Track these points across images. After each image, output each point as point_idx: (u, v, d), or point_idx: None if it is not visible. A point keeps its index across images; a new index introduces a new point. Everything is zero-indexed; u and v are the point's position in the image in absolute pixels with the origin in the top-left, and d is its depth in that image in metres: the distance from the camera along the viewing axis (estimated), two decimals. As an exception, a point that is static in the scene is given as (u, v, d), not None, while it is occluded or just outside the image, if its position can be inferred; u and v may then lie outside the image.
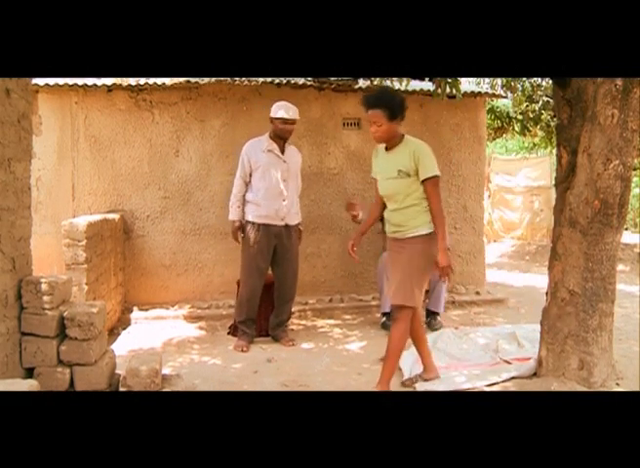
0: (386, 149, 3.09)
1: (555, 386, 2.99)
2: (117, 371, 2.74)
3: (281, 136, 4.06)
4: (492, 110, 7.99)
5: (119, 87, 4.87)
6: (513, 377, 3.27)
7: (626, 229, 9.36)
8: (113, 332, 4.35)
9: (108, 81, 4.81)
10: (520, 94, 6.39)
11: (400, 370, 3.40)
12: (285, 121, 4.00)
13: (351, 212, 4.54)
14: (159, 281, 5.06)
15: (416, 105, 5.46)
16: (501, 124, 8.48)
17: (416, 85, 5.26)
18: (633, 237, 9.28)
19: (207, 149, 5.12)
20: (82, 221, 3.88)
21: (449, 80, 4.33)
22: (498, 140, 11.57)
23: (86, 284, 3.78)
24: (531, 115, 7.46)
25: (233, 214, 4.11)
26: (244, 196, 4.11)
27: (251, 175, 4.08)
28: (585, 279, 3.06)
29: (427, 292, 4.62)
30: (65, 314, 2.52)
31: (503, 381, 3.23)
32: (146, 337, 4.30)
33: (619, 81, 2.84)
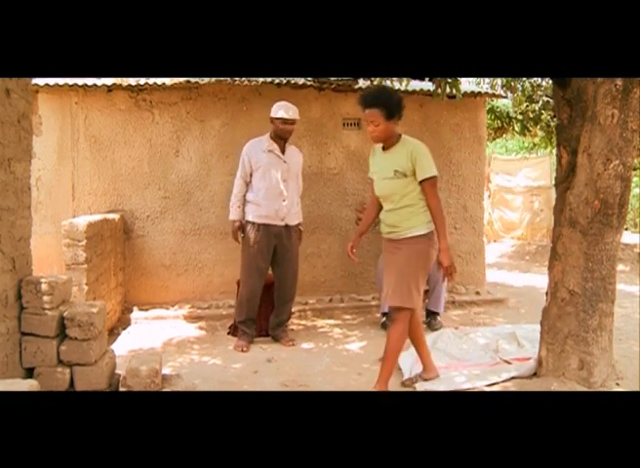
0: (384, 149, 3.07)
1: (555, 386, 2.99)
2: (117, 371, 2.74)
3: (281, 136, 4.06)
4: (492, 110, 7.99)
5: (119, 87, 4.87)
6: (513, 377, 3.28)
7: (626, 229, 9.37)
8: (113, 332, 4.35)
9: (108, 81, 4.81)
10: (520, 94, 6.39)
11: (400, 370, 3.40)
12: (285, 121, 4.00)
13: (359, 214, 4.55)
14: (159, 281, 5.06)
15: (416, 105, 5.47)
16: (501, 124, 8.48)
17: (416, 85, 5.26)
18: (633, 237, 9.29)
19: (207, 149, 5.12)
20: (82, 221, 3.88)
21: (449, 80, 4.33)
22: (498, 140, 11.56)
23: (86, 284, 3.78)
24: (531, 115, 7.46)
25: (233, 214, 4.11)
26: (244, 196, 4.11)
27: (251, 176, 4.08)
28: (585, 279, 3.06)
29: (427, 291, 4.63)
30: (65, 314, 2.52)
31: (503, 381, 3.24)
32: (146, 337, 4.30)
33: (619, 81, 2.84)
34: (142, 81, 4.84)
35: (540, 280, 6.24)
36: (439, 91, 4.48)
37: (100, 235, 4.15)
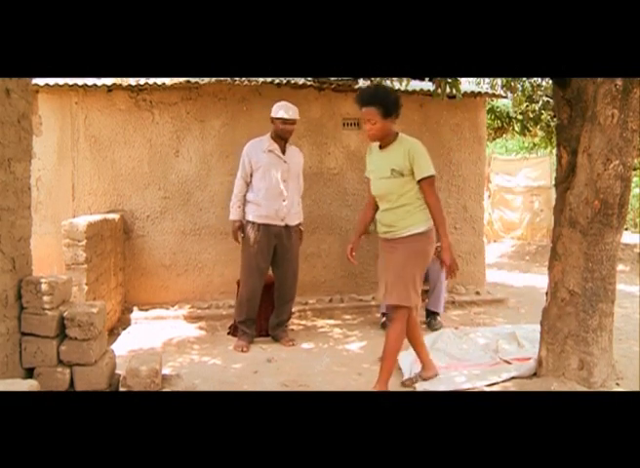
0: (380, 147, 3.05)
1: (555, 386, 2.99)
2: (117, 371, 2.73)
3: (281, 136, 4.06)
4: (492, 110, 7.99)
5: (119, 87, 4.87)
6: (513, 377, 3.28)
7: (626, 229, 9.37)
8: (113, 332, 4.35)
9: (108, 81, 4.81)
10: (520, 94, 6.39)
11: (400, 369, 3.40)
12: (285, 121, 4.00)
13: None
14: (159, 281, 5.06)
15: (416, 105, 5.47)
16: (501, 124, 8.48)
17: (416, 85, 5.26)
18: (633, 237, 9.29)
19: (207, 149, 5.12)
20: (82, 221, 3.88)
21: (449, 80, 4.33)
22: (498, 140, 11.57)
23: (86, 284, 3.78)
24: (531, 115, 7.46)
25: (234, 214, 4.12)
26: (245, 196, 4.11)
27: (252, 176, 4.08)
28: (585, 279, 3.06)
29: (427, 291, 4.63)
30: (65, 314, 2.52)
31: (503, 381, 3.23)
32: (146, 337, 4.30)
33: (619, 81, 2.84)
34: (142, 81, 4.84)
35: (540, 280, 6.24)
36: (439, 91, 4.48)
37: (99, 235, 4.15)
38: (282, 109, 4.01)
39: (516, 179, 10.46)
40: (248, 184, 4.11)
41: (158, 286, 5.06)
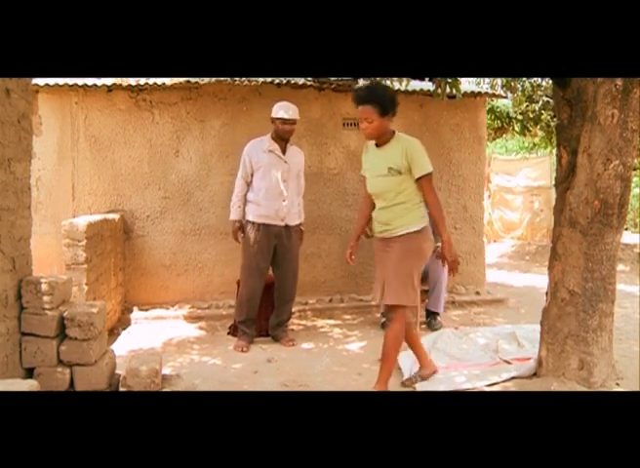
0: (377, 146, 3.04)
1: (555, 386, 2.99)
2: (117, 371, 2.73)
3: (282, 136, 4.06)
4: (492, 110, 7.99)
5: (119, 87, 4.87)
6: (513, 377, 3.27)
7: (626, 229, 9.37)
8: (113, 332, 4.35)
9: (108, 81, 4.80)
10: (520, 94, 6.39)
11: (400, 370, 3.40)
12: (285, 121, 4.00)
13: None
14: (159, 281, 5.06)
15: (416, 105, 5.48)
16: (501, 124, 8.48)
17: (416, 85, 5.26)
18: (633, 237, 9.29)
19: (207, 149, 5.12)
20: (82, 221, 3.88)
21: (449, 80, 4.33)
22: (498, 140, 11.57)
23: (86, 284, 3.78)
24: (531, 115, 7.47)
25: (234, 214, 4.12)
26: (245, 196, 4.11)
27: (252, 176, 4.08)
28: (585, 279, 3.06)
29: (427, 291, 4.63)
30: (65, 314, 2.52)
31: (503, 381, 3.23)
32: (146, 337, 4.30)
33: (619, 81, 2.84)
34: (142, 81, 4.84)
35: (540, 280, 6.24)
36: (439, 91, 4.48)
37: (100, 235, 4.15)
38: (282, 109, 4.01)
39: (516, 179, 10.46)
40: (248, 184, 4.11)
41: (158, 286, 5.06)
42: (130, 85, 4.85)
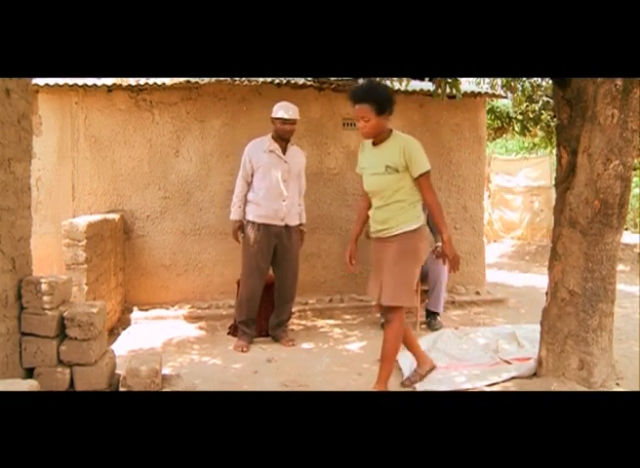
0: (374, 144, 3.02)
1: (555, 386, 2.99)
2: (117, 371, 2.73)
3: (282, 136, 4.06)
4: (492, 110, 7.99)
5: (119, 87, 4.87)
6: (513, 377, 3.28)
7: (626, 229, 9.37)
8: (113, 332, 4.35)
9: (108, 81, 4.81)
10: (520, 94, 6.39)
11: (400, 370, 3.40)
12: (285, 121, 4.00)
13: None
14: (159, 281, 5.06)
15: (416, 105, 5.48)
16: (501, 124, 8.48)
17: (416, 85, 5.26)
18: (633, 237, 9.29)
19: (207, 149, 5.12)
20: (82, 221, 3.88)
21: (449, 80, 4.33)
22: (498, 140, 11.57)
23: (86, 284, 3.78)
24: (531, 115, 7.47)
25: (234, 214, 4.12)
26: (245, 196, 4.11)
27: (252, 176, 4.08)
28: (585, 279, 3.06)
29: (427, 291, 4.63)
30: (65, 314, 2.52)
31: (503, 381, 3.23)
32: (146, 337, 4.30)
33: (619, 81, 2.84)
34: (142, 81, 4.84)
35: (540, 280, 6.25)
36: (439, 91, 4.48)
37: (100, 235, 4.15)
38: (282, 109, 4.01)
39: (516, 179, 10.46)
40: (249, 184, 4.11)
41: (158, 286, 5.06)
42: (130, 85, 4.85)
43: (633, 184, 5.93)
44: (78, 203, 4.92)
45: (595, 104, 2.96)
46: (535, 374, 3.28)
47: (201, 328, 4.61)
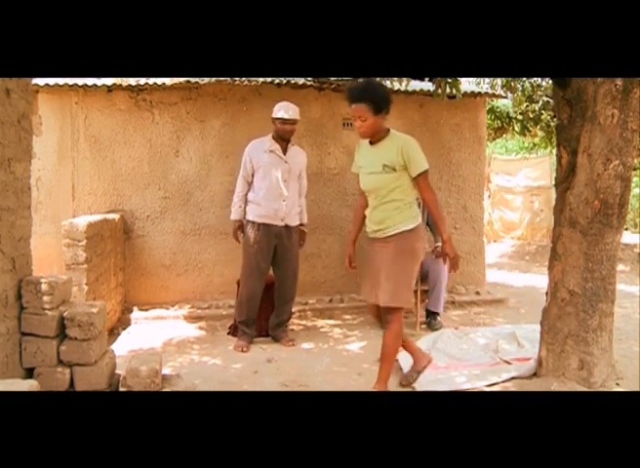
0: (371, 143, 3.01)
1: (555, 386, 2.99)
2: (117, 371, 2.73)
3: (282, 136, 4.06)
4: (492, 110, 7.99)
5: (119, 87, 4.87)
6: (513, 377, 3.27)
7: (626, 229, 9.37)
8: (113, 332, 4.35)
9: (108, 81, 4.80)
10: (520, 94, 6.39)
11: (400, 370, 3.40)
12: (285, 121, 4.00)
13: None
14: (159, 281, 5.06)
15: (416, 105, 5.48)
16: (501, 124, 8.48)
17: (416, 85, 5.26)
18: (633, 237, 9.30)
19: (207, 149, 5.12)
20: (82, 221, 3.88)
21: (449, 80, 4.33)
22: (498, 140, 11.57)
23: (86, 284, 3.78)
24: (531, 115, 7.47)
25: (235, 214, 4.13)
26: (246, 196, 4.12)
27: (253, 176, 4.09)
28: (585, 279, 3.06)
29: (427, 291, 4.63)
30: (65, 314, 2.52)
31: (503, 381, 3.23)
32: (146, 337, 4.30)
33: (619, 81, 2.84)
34: (142, 81, 4.83)
35: (540, 280, 6.25)
36: (439, 91, 4.48)
37: (99, 235, 4.15)
38: (282, 109, 4.01)
39: (516, 179, 10.46)
40: (249, 184, 4.11)
41: (158, 286, 5.06)
42: (130, 85, 4.84)
43: (633, 184, 5.93)
44: (78, 203, 4.92)
45: (595, 104, 2.96)
46: (535, 374, 3.28)
47: (201, 328, 4.61)
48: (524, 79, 6.10)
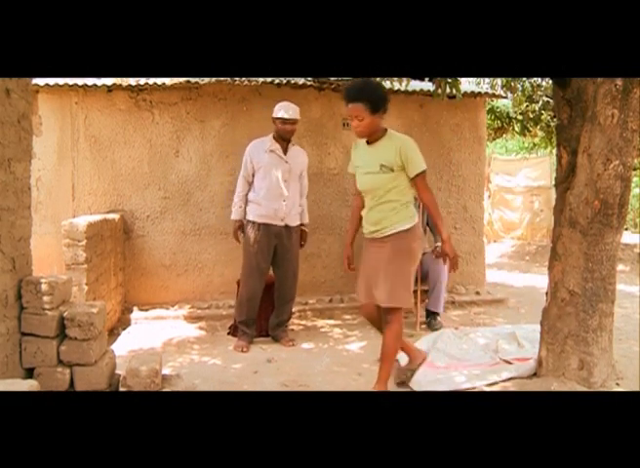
0: (368, 143, 3.00)
1: (555, 386, 2.99)
2: (117, 371, 2.74)
3: (282, 136, 4.06)
4: (492, 110, 7.99)
5: (119, 87, 4.87)
6: (513, 377, 3.27)
7: (626, 229, 9.37)
8: (113, 332, 4.35)
9: (108, 81, 4.80)
10: (520, 94, 6.38)
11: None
12: (285, 121, 4.00)
13: None
14: (159, 281, 5.06)
15: (416, 105, 5.48)
16: (501, 124, 8.48)
17: (416, 85, 5.26)
18: (633, 237, 9.30)
19: (207, 149, 5.12)
20: (82, 221, 3.88)
21: (449, 80, 4.33)
22: (498, 141, 11.57)
23: (86, 284, 3.78)
24: (531, 115, 7.47)
25: (235, 214, 4.13)
26: (246, 196, 4.12)
27: (254, 176, 4.09)
28: (585, 279, 3.06)
29: (427, 291, 4.63)
30: (65, 314, 2.52)
31: (503, 381, 3.23)
32: (146, 337, 4.30)
33: (619, 81, 2.84)
34: (142, 81, 4.83)
35: (540, 280, 6.25)
36: (439, 91, 4.48)
37: (99, 235, 4.15)
38: (282, 109, 4.01)
39: (516, 179, 10.46)
40: (250, 184, 4.11)
41: (158, 286, 5.06)
42: (130, 85, 4.84)
43: (633, 184, 5.93)
44: (78, 203, 4.92)
45: (595, 104, 2.96)
46: (535, 374, 3.28)
47: (201, 328, 4.61)
48: (524, 79, 6.09)
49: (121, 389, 2.48)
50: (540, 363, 3.26)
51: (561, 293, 3.17)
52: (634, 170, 3.53)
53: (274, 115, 4.04)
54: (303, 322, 4.82)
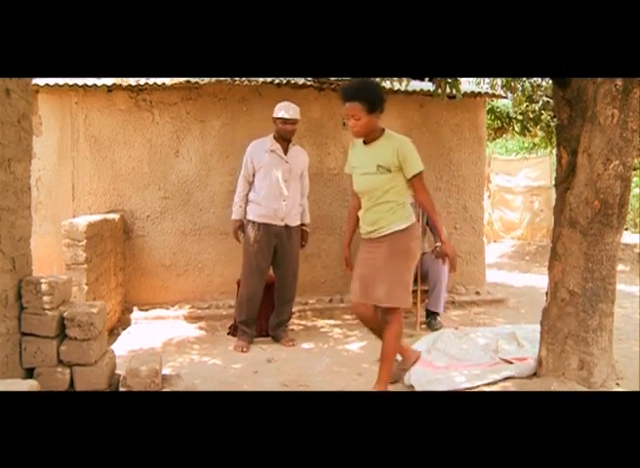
0: (365, 143, 2.99)
1: (555, 386, 2.99)
2: (117, 372, 2.73)
3: (283, 136, 4.06)
4: (492, 110, 7.99)
5: (119, 87, 4.87)
6: (513, 377, 3.27)
7: (626, 229, 9.37)
8: (113, 332, 4.35)
9: (108, 81, 4.80)
10: (520, 94, 6.38)
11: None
12: (285, 121, 4.00)
13: None
14: (159, 281, 5.06)
15: (416, 105, 5.48)
16: (501, 124, 8.48)
17: (416, 85, 5.26)
18: (633, 237, 9.30)
19: (207, 149, 5.12)
20: (82, 221, 3.88)
21: (449, 80, 4.33)
22: (498, 141, 11.57)
23: (86, 284, 3.78)
24: (531, 115, 7.47)
25: (235, 214, 4.13)
26: (247, 196, 4.12)
27: (254, 176, 4.09)
28: (585, 279, 3.06)
29: (427, 291, 4.63)
30: (65, 314, 2.52)
31: (503, 380, 3.23)
32: (146, 337, 4.30)
33: (619, 81, 2.84)
34: (142, 81, 4.83)
35: (540, 280, 6.25)
36: (439, 91, 4.48)
37: (99, 235, 4.15)
38: (283, 109, 4.01)
39: (516, 179, 10.46)
40: (250, 184, 4.12)
41: (158, 286, 5.06)
42: (130, 85, 4.85)
43: (633, 184, 5.93)
44: (78, 203, 4.92)
45: (595, 104, 2.96)
46: (535, 374, 3.29)
47: (201, 328, 4.61)
48: (524, 79, 6.09)
49: (121, 389, 2.48)
50: (539, 363, 3.26)
51: (561, 293, 3.17)
52: (634, 170, 3.53)
53: (275, 115, 4.04)
54: (303, 322, 4.82)
